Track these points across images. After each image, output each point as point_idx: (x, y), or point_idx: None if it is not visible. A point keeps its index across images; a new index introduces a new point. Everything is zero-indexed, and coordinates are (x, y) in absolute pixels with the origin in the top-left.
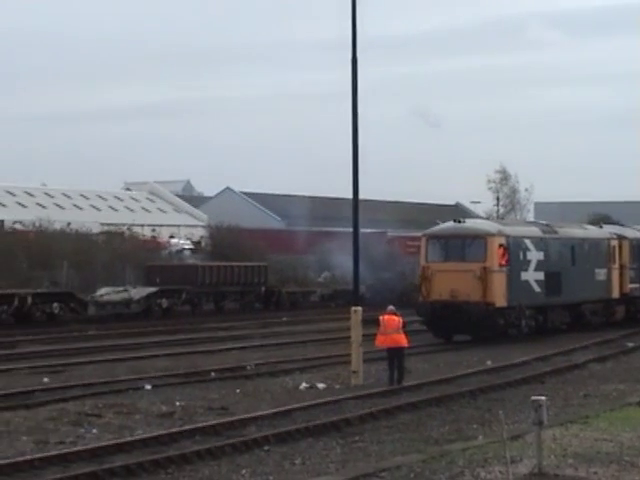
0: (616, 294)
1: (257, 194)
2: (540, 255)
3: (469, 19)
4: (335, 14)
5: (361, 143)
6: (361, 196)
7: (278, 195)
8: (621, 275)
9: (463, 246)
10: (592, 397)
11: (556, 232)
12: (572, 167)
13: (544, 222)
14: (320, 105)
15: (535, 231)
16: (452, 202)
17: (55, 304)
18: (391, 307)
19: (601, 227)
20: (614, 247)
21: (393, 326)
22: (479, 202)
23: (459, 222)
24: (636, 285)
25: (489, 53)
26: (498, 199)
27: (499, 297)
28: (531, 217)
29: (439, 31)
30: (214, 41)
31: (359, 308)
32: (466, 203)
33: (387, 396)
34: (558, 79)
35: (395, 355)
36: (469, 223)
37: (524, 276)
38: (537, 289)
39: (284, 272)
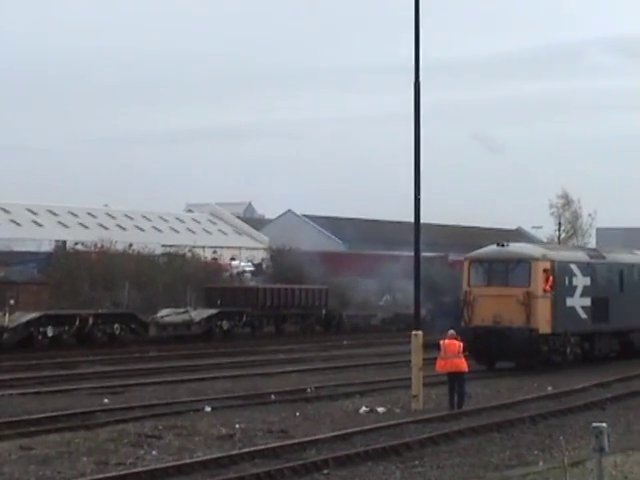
0: None
1: (318, 217)
2: (587, 280)
3: (529, 44)
4: (394, 38)
5: (422, 167)
6: (422, 220)
7: (339, 218)
8: None
9: (506, 270)
10: None
11: (604, 257)
12: (638, 192)
13: (592, 247)
14: (381, 128)
15: (581, 256)
16: (514, 227)
17: (116, 325)
18: (452, 331)
19: None
20: None
21: (454, 351)
22: (541, 227)
23: (502, 245)
24: None
25: (549, 78)
26: (560, 224)
27: (543, 323)
28: (593, 243)
29: (499, 56)
30: (275, 64)
31: (420, 332)
32: (528, 228)
33: (447, 421)
34: (619, 104)
35: (455, 380)
36: (512, 247)
37: (570, 302)
38: (583, 315)
39: (345, 295)
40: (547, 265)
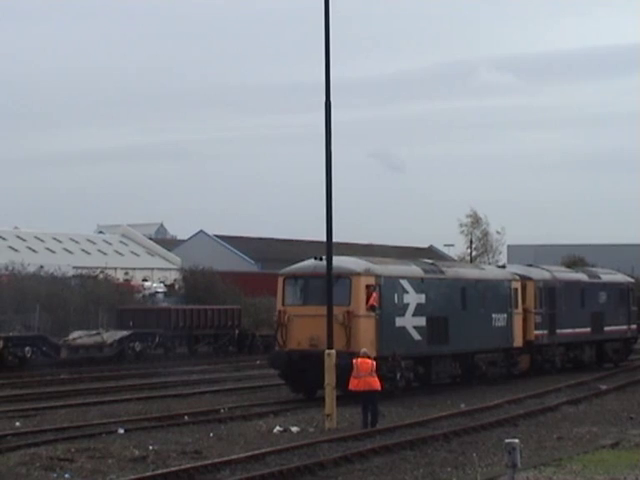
0: (519, 342)
1: (230, 237)
2: (421, 298)
3: (424, 64)
4: (295, 59)
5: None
6: (334, 239)
7: (251, 238)
8: (525, 320)
9: (324, 287)
10: (565, 440)
11: (442, 272)
12: (546, 209)
13: (429, 261)
14: (291, 148)
15: (415, 271)
16: (426, 245)
17: (27, 348)
18: (364, 350)
19: (504, 267)
20: (516, 289)
21: (366, 369)
22: (452, 245)
23: (320, 259)
24: (543, 332)
25: (444, 97)
26: (471, 242)
27: (366, 346)
28: (504, 260)
29: (395, 76)
30: (187, 84)
31: (333, 351)
32: (440, 246)
33: (361, 439)
34: (514, 122)
35: (369, 398)
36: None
37: (400, 322)
38: (417, 337)
39: (258, 315)
40: (371, 281)
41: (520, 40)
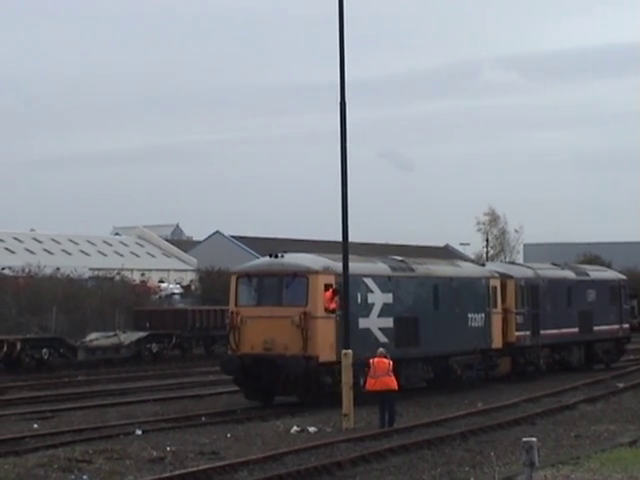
0: (498, 344)
1: (246, 237)
2: (388, 297)
3: (434, 64)
4: (304, 59)
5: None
6: (351, 239)
7: (267, 238)
8: (505, 321)
9: (280, 286)
10: (583, 438)
11: (412, 269)
12: (562, 208)
13: (398, 258)
14: (304, 148)
15: (381, 268)
16: (442, 244)
17: (44, 350)
18: (381, 350)
19: (483, 265)
20: (495, 288)
21: (383, 369)
22: (468, 244)
23: (276, 257)
24: (526, 332)
25: (450, 96)
26: (487, 241)
27: (325, 350)
28: (520, 258)
29: (401, 76)
30: (202, 86)
31: (349, 351)
32: (456, 245)
33: (378, 439)
34: (520, 121)
35: (386, 398)
36: (288, 258)
37: (363, 323)
38: (383, 339)
39: None
40: (330, 279)
41: (530, 39)
